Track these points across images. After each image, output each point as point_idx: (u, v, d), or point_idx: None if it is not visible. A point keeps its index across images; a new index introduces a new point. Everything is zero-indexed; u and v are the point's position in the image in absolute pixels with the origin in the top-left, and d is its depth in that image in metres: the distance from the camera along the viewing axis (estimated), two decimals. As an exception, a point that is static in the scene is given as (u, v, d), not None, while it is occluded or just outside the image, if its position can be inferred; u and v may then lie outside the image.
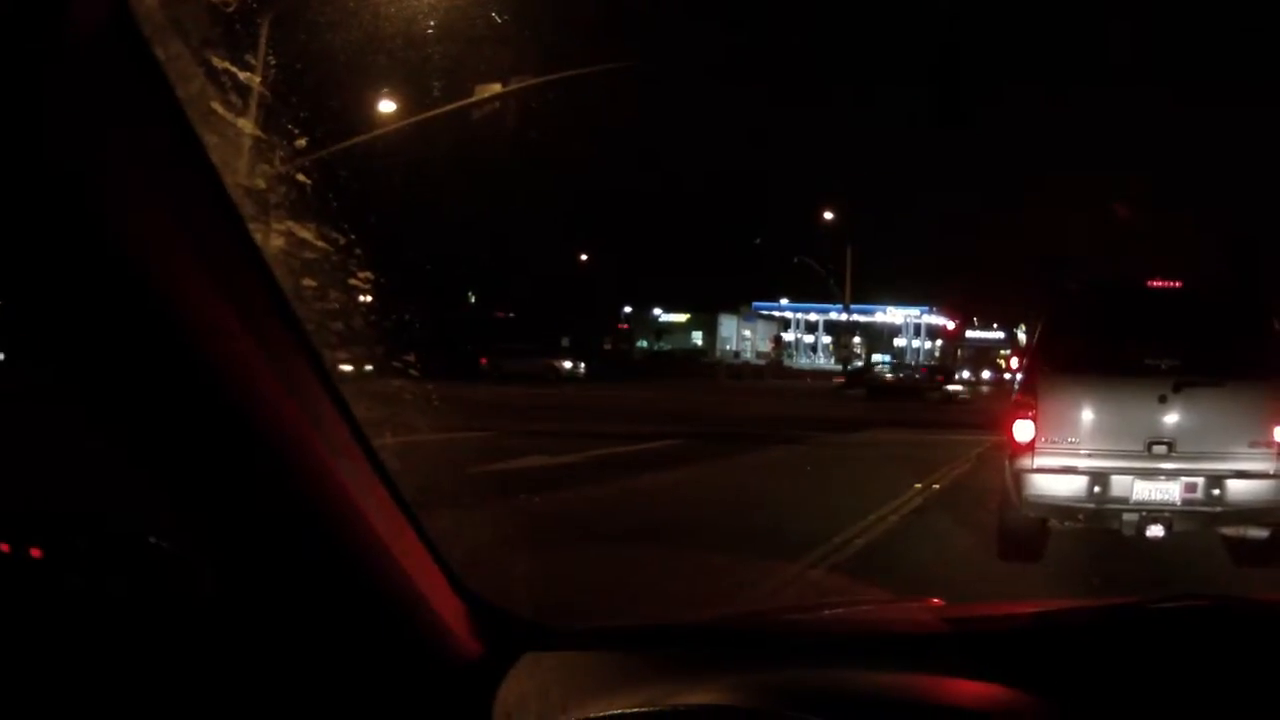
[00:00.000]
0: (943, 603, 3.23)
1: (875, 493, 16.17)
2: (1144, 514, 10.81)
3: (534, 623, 2.51)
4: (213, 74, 1.93)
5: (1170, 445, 10.84)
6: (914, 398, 56.29)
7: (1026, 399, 11.27)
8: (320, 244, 2.40)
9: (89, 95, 1.54)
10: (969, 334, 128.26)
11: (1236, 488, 10.74)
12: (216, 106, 1.92)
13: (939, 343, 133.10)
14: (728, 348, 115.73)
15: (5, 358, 1.77)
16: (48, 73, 1.48)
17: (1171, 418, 10.91)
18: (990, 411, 23.53)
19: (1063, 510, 11.12)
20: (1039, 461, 11.02)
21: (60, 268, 1.56)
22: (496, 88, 27.55)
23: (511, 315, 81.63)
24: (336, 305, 2.39)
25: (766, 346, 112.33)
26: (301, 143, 2.71)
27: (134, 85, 1.59)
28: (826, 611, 3.51)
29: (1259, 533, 11.08)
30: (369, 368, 2.63)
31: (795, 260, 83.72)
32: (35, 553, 1.76)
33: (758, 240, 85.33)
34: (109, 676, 1.80)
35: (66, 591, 1.77)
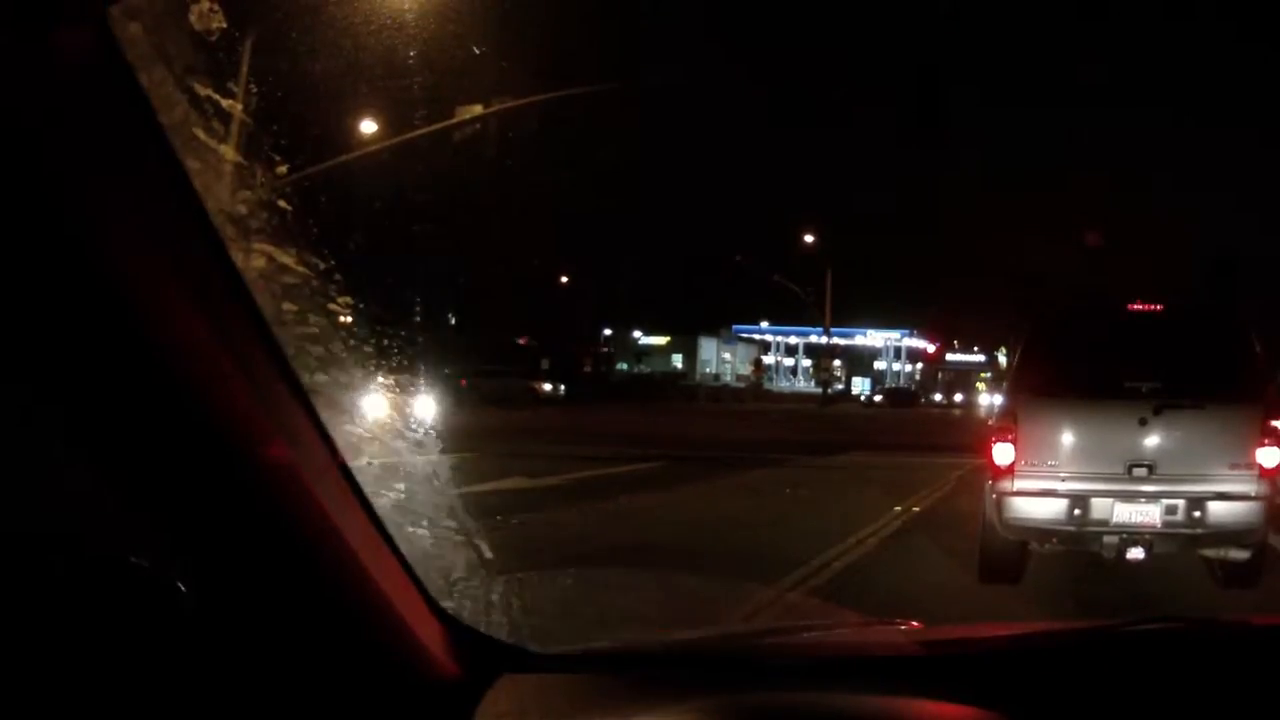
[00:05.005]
0: (920, 625, 3.24)
1: (854, 516, 16.14)
2: (1124, 536, 10.82)
3: (511, 645, 2.52)
4: (196, 101, 1.94)
5: (1151, 468, 10.84)
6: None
7: (1006, 422, 11.28)
8: (300, 269, 2.40)
9: (73, 121, 1.55)
10: (949, 356, 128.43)
11: (1217, 510, 10.74)
12: (199, 133, 1.94)
13: (919, 365, 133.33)
14: (708, 370, 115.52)
15: None
16: (32, 98, 1.49)
17: (1152, 440, 10.92)
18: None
19: (1043, 533, 11.13)
20: (1019, 484, 11.02)
21: (42, 289, 1.57)
22: (478, 109, 27.54)
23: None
24: (316, 329, 2.40)
25: (746, 369, 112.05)
26: (283, 169, 2.72)
27: (118, 112, 1.61)
28: (803, 634, 3.51)
29: (1240, 554, 11.10)
30: (348, 390, 2.64)
31: (775, 278, 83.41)
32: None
33: (738, 258, 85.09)
34: (88, 697, 1.80)
35: (45, 612, 1.77)
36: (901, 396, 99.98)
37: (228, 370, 1.75)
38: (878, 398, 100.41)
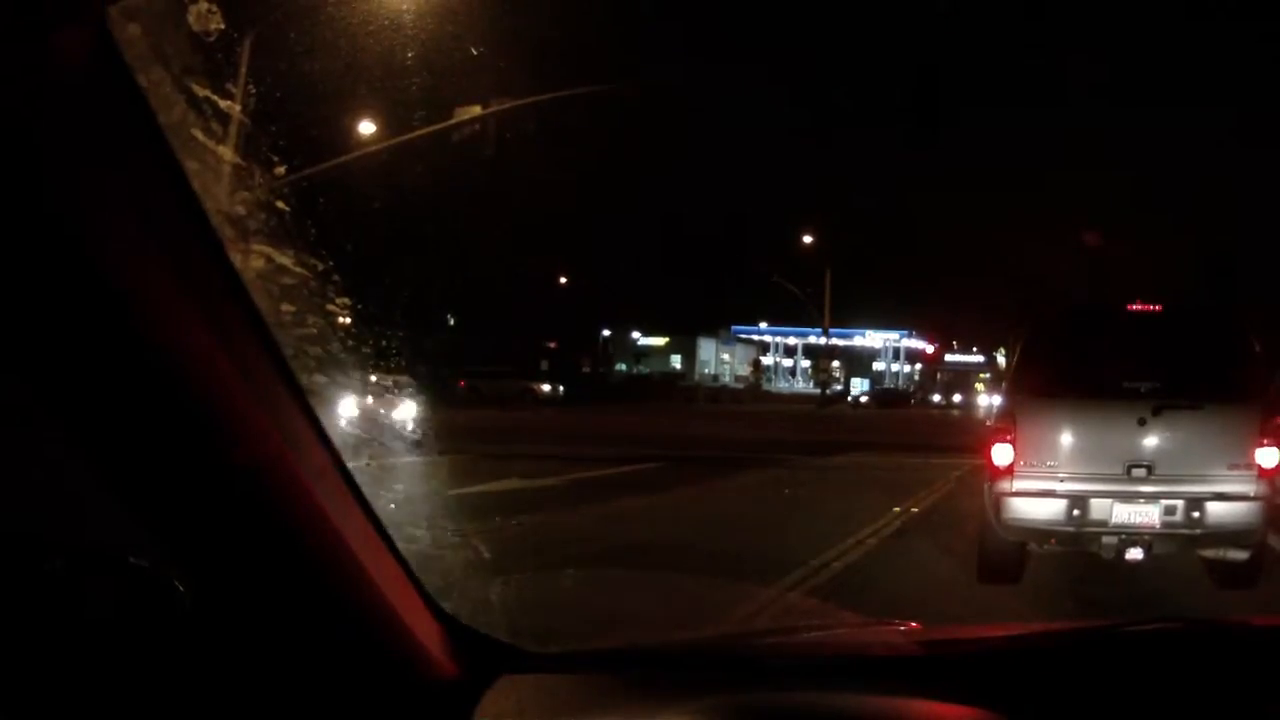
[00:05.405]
0: (919, 625, 3.24)
1: (854, 516, 16.10)
2: (1123, 537, 10.81)
3: (510, 645, 2.52)
4: (194, 102, 1.94)
5: (1150, 468, 10.83)
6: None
7: (1005, 423, 11.27)
8: (299, 269, 2.40)
9: (72, 121, 1.55)
10: (948, 357, 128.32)
11: (1216, 510, 10.72)
12: (197, 134, 1.94)
13: (918, 366, 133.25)
14: (706, 371, 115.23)
15: None
16: (31, 98, 1.49)
17: (1151, 441, 10.91)
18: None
19: (1042, 533, 11.11)
20: (1018, 485, 11.00)
21: (41, 289, 1.57)
22: (476, 109, 27.52)
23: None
24: (314, 330, 2.40)
25: (745, 370, 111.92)
26: (281, 170, 2.72)
27: (117, 112, 1.61)
28: (803, 634, 3.52)
29: (1239, 554, 11.08)
30: (347, 392, 2.64)
31: (773, 279, 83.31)
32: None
33: (737, 259, 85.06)
34: (88, 696, 1.80)
35: (45, 612, 1.77)
36: (890, 397, 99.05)
37: (226, 371, 1.75)
38: (864, 399, 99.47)
